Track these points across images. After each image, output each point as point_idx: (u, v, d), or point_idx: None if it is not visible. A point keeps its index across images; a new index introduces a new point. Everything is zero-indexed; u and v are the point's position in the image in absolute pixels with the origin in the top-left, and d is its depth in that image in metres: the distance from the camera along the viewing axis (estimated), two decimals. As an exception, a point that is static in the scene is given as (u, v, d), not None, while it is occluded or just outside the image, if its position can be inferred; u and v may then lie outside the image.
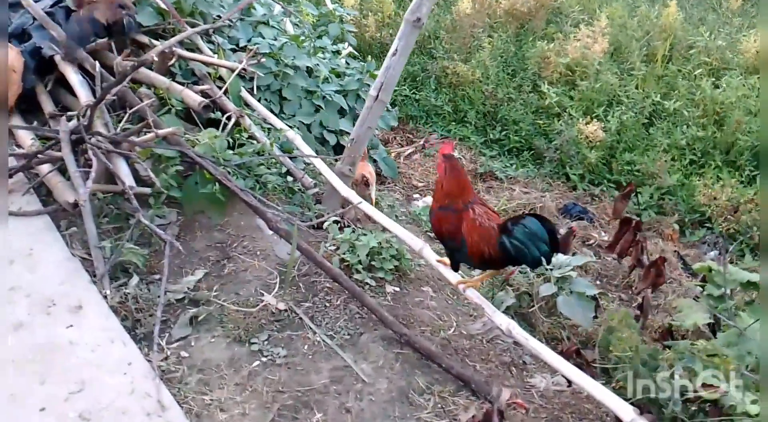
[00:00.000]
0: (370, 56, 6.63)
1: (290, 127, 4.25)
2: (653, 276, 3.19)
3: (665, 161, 5.70)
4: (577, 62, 6.59)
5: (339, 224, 3.79)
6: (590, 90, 6.36)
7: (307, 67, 4.87)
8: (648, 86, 6.47)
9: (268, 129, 4.32)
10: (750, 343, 3.09)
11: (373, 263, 3.35)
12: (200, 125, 3.98)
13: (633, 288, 4.74)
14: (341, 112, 5.27)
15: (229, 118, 3.90)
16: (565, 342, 3.64)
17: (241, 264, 3.31)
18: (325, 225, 3.54)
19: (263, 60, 4.21)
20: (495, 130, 6.43)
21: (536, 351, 2.71)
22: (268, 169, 3.72)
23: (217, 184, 3.34)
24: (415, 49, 7.22)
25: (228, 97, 4.04)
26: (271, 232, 3.36)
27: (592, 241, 5.13)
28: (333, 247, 3.43)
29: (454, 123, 6.63)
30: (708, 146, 5.95)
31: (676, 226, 5.32)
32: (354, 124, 5.34)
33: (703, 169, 5.86)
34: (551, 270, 3.78)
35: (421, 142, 6.47)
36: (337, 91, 5.14)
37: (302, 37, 5.10)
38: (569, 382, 3.10)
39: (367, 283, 3.29)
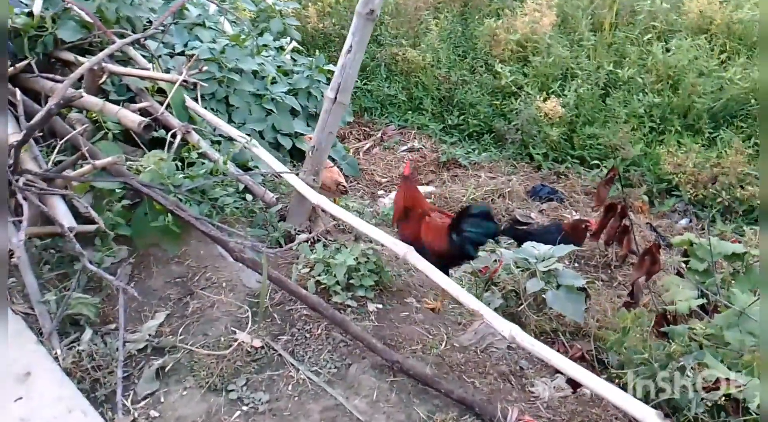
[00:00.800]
0: (316, 50, 6.24)
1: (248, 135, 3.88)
2: (648, 264, 2.98)
3: (627, 132, 5.53)
4: (527, 37, 6.36)
5: (308, 240, 3.46)
6: (544, 65, 6.14)
7: (253, 69, 4.47)
8: (599, 56, 6.29)
9: (218, 141, 3.94)
10: (750, 323, 2.93)
11: (351, 281, 3.04)
12: (143, 146, 3.56)
13: (611, 267, 4.59)
14: (293, 113, 4.90)
15: (174, 136, 3.50)
16: (558, 337, 3.43)
17: (206, 300, 2.95)
18: (295, 244, 3.20)
19: (205, 67, 3.80)
20: (453, 116, 6.16)
21: (545, 358, 2.47)
22: (225, 189, 3.34)
23: (169, 214, 2.96)
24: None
25: (171, 112, 3.63)
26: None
27: (566, 222, 4.92)
28: (306, 269, 3.10)
29: (410, 111, 6.33)
30: (666, 112, 5.82)
31: (645, 198, 5.18)
32: (308, 125, 5.04)
33: (664, 135, 5.74)
34: (536, 263, 3.56)
35: (379, 135, 6.16)
36: (286, 92, 4.76)
37: (243, 37, 4.68)
38: (573, 387, 2.90)
39: (348, 305, 2.98)
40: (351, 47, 3.31)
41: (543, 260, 3.59)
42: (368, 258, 3.13)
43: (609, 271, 4.51)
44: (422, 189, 5.36)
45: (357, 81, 6.23)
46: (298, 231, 3.44)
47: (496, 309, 3.38)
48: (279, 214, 3.59)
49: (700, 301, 3.19)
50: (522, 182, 5.39)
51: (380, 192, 5.37)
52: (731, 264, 3.66)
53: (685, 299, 3.20)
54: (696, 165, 5.05)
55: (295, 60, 5.53)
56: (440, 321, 3.21)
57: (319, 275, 3.02)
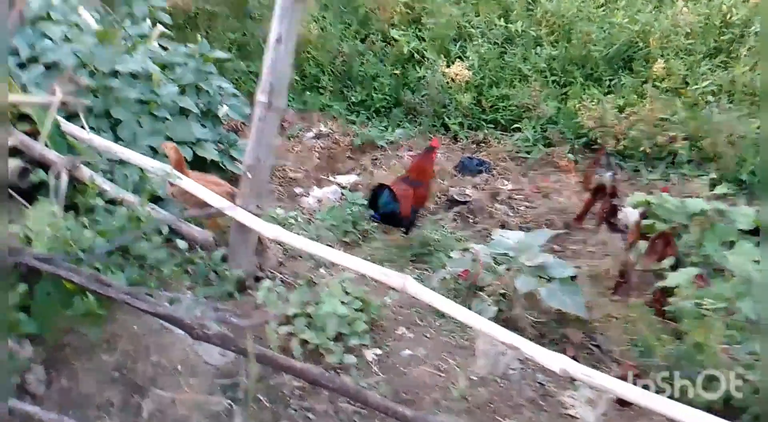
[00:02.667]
0: (197, 34, 5.20)
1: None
2: (661, 248, 2.65)
3: (536, 90, 5.24)
4: (415, -2, 5.80)
5: (256, 280, 2.75)
6: (438, 26, 5.64)
7: (132, 70, 3.49)
8: (486, 10, 5.88)
9: (108, 171, 3.02)
10: (762, 291, 2.72)
11: (341, 330, 2.41)
12: (18, 197, 2.59)
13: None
14: (182, 113, 3.99)
15: (58, 176, 2.56)
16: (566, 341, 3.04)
17: (163, 398, 2.17)
18: (260, 296, 2.47)
19: (85, 82, 2.83)
20: (355, 92, 5.50)
21: (606, 388, 2.05)
22: (149, 239, 2.48)
23: (87, 294, 2.11)
24: (230, 14, 5.92)
25: (46, 144, 2.66)
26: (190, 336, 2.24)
27: (502, 196, 4.57)
28: (284, 327, 2.40)
29: (307, 92, 5.58)
30: (565, 64, 5.60)
31: (571, 156, 4.95)
32: (204, 126, 4.16)
33: (567, 88, 5.53)
34: (518, 257, 3.14)
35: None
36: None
37: (111, 30, 3.66)
38: (622, 404, 2.53)
39: (346, 365, 2.35)
40: (280, 36, 2.57)
41: (524, 252, 3.17)
42: (348, 292, 2.50)
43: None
44: (344, 178, 4.74)
45: (241, 64, 5.37)
46: (254, 275, 2.70)
47: (495, 320, 2.95)
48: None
49: (696, 270, 2.95)
50: (446, 156, 4.94)
51: (298, 189, 4.64)
52: (697, 221, 3.49)
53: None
54: (615, 117, 4.87)
55: (165, 48, 4.54)
56: (442, 349, 2.69)
57: (302, 332, 2.35)
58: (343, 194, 4.49)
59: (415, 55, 5.53)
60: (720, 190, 3.86)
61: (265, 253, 2.86)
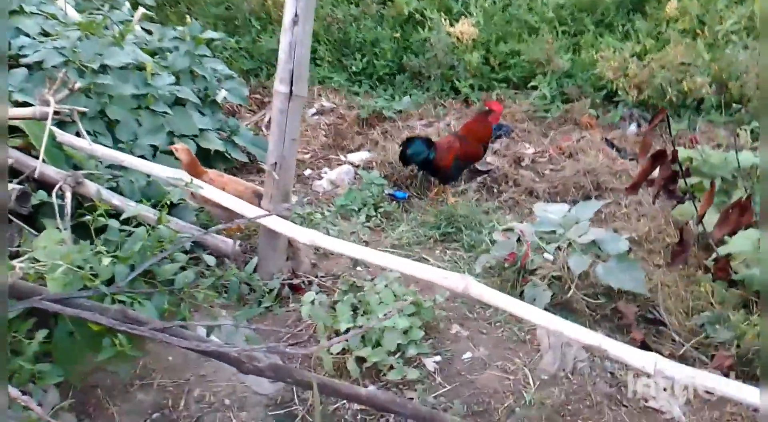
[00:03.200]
0: (179, 12, 4.81)
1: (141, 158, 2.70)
2: (736, 217, 2.40)
3: (547, 42, 4.90)
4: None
5: (291, 289, 2.49)
6: (436, -19, 5.25)
7: (124, 63, 3.14)
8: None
9: (111, 178, 2.72)
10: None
11: (399, 341, 2.17)
12: (20, 222, 2.29)
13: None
14: (178, 103, 3.65)
15: (61, 195, 2.27)
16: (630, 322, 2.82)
17: (216, 437, 1.95)
18: (304, 312, 2.21)
19: (78, 85, 2.48)
20: (355, 60, 5.14)
21: (714, 389, 1.82)
22: (170, 258, 2.20)
23: (115, 334, 1.85)
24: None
25: (44, 161, 2.34)
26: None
27: (525, 160, 4.30)
28: (337, 345, 2.15)
29: (305, 65, 5.19)
30: (574, 12, 5.26)
31: (593, 111, 4.67)
32: (203, 114, 3.83)
33: (578, 37, 5.20)
34: (566, 233, 2.90)
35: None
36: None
37: (97, 21, 3.28)
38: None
39: (411, 381, 2.12)
40: (297, 16, 2.24)
41: (571, 227, 2.93)
42: (398, 297, 2.25)
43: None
44: (356, 156, 4.44)
45: (231, 40, 4.99)
46: (289, 282, 2.44)
47: (547, 308, 2.72)
48: (243, 262, 2.54)
49: (757, 233, 2.72)
50: (461, 122, 4.62)
51: (307, 171, 4.34)
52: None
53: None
54: (636, 66, 4.57)
55: (148, 31, 4.16)
56: (501, 346, 2.47)
57: (358, 348, 2.11)
58: (357, 173, 4.22)
59: (416, 15, 5.14)
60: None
61: (297, 256, 2.60)
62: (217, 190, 2.44)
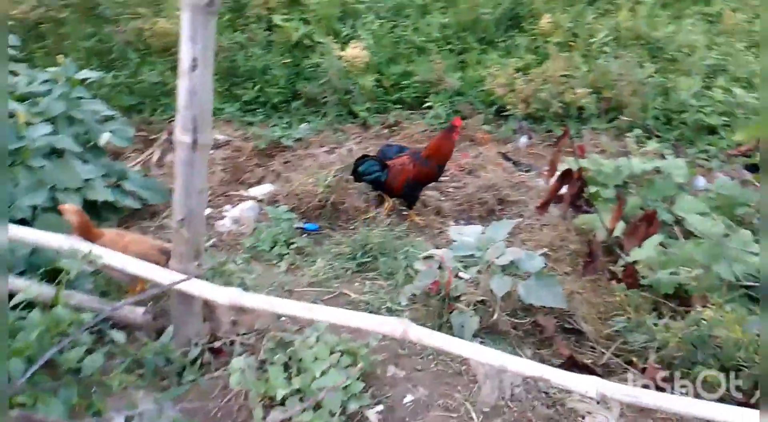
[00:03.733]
0: (46, 48, 4.37)
1: (21, 222, 2.39)
2: (644, 229, 2.53)
3: (437, 61, 5.00)
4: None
5: (213, 353, 2.30)
6: (321, 6, 5.19)
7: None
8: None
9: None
10: (730, 251, 2.72)
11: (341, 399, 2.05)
12: None
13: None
14: (54, 153, 3.30)
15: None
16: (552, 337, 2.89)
17: None
18: (233, 381, 2.03)
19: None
20: (246, 89, 4.94)
21: (655, 406, 1.88)
22: (73, 343, 1.93)
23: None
24: (79, 16, 5.06)
25: None
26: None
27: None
28: (275, 412, 2.00)
29: (191, 98, 4.92)
30: (458, 30, 5.41)
31: (486, 127, 4.80)
32: (86, 161, 3.50)
33: (463, 55, 5.35)
34: (484, 254, 2.92)
35: (163, 137, 4.71)
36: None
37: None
38: None
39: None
40: (195, 61, 2.07)
41: (488, 249, 2.96)
42: (341, 352, 2.14)
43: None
44: (258, 190, 4.26)
45: (108, 77, 4.64)
46: (210, 347, 2.24)
47: (476, 334, 2.73)
48: (155, 332, 2.31)
49: (659, 237, 2.90)
50: (364, 148, 4.59)
51: (207, 210, 4.10)
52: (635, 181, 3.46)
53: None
54: (522, 81, 4.76)
55: (15, 73, 3.74)
56: (439, 382, 2.43)
57: (299, 415, 1.96)
58: (262, 209, 4.04)
59: (305, 40, 5.05)
60: (651, 145, 3.87)
61: (214, 316, 2.40)
62: (119, 254, 2.20)
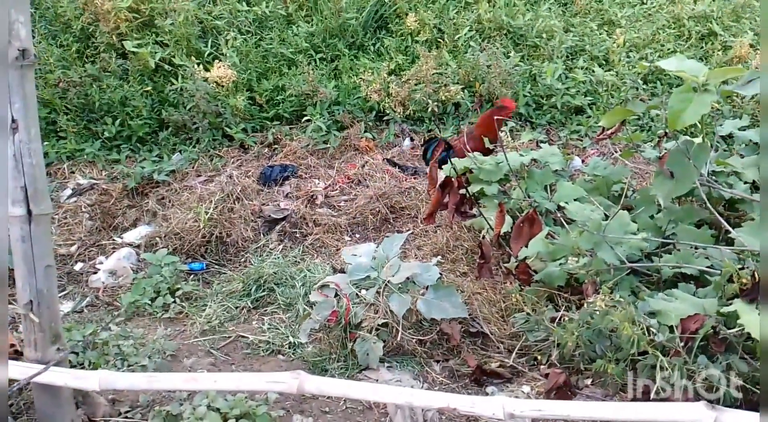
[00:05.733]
0: None
1: None
2: (527, 230, 2.52)
3: (309, 72, 4.84)
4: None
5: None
6: (176, 26, 4.86)
7: None
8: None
9: None
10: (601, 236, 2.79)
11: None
12: None
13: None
14: None
15: None
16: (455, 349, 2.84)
17: None
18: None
19: None
20: (106, 125, 4.53)
21: (560, 415, 1.85)
22: None
23: None
24: None
25: None
26: None
27: (319, 198, 4.19)
28: None
29: (44, 140, 4.46)
30: (326, 37, 5.27)
31: (368, 135, 4.72)
32: None
33: (335, 62, 5.24)
34: (379, 275, 2.83)
35: None
36: None
37: None
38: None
39: None
40: (15, 122, 1.79)
41: (383, 267, 2.88)
42: (237, 418, 1.96)
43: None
44: (133, 234, 3.92)
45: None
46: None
47: (382, 359, 2.64)
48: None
49: (545, 231, 2.94)
50: (245, 172, 4.36)
51: (78, 265, 3.72)
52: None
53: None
54: (396, 84, 4.72)
55: None
56: (357, 417, 2.31)
57: None
58: (139, 255, 3.72)
59: (164, 65, 4.72)
60: (525, 137, 3.94)
61: (89, 400, 2.13)
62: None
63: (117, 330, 2.60)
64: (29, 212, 1.86)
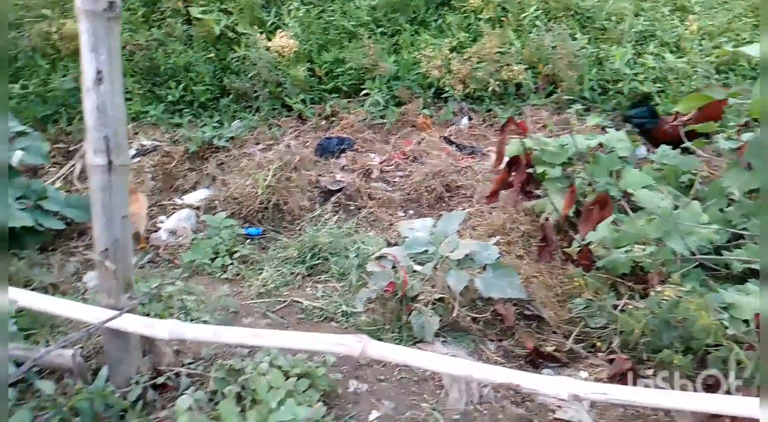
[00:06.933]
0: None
1: None
2: (598, 213, 2.45)
3: (371, 46, 4.79)
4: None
5: (157, 389, 2.10)
6: (242, -7, 4.88)
7: None
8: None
9: None
10: (680, 225, 2.69)
11: (300, 428, 1.89)
12: None
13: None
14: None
15: None
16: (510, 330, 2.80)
17: None
18: (182, 423, 1.84)
19: None
20: (170, 89, 4.62)
21: (625, 401, 1.82)
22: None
23: None
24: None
25: None
26: None
27: (374, 172, 4.17)
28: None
29: (111, 102, 4.56)
30: (388, 11, 5.21)
31: (426, 111, 4.66)
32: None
33: (395, 37, 5.17)
34: (438, 250, 2.81)
35: (82, 148, 4.35)
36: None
37: None
38: None
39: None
40: (100, 72, 1.83)
41: (441, 243, 2.85)
42: (298, 376, 1.98)
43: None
44: (193, 196, 4.00)
45: (13, 85, 4.23)
46: (152, 383, 2.04)
47: (438, 333, 2.62)
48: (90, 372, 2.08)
49: (611, 217, 2.85)
50: (303, 143, 4.38)
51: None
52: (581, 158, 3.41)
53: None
54: (458, 61, 4.63)
55: None
56: (404, 391, 2.31)
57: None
58: (198, 217, 3.79)
59: (228, 32, 4.76)
60: (593, 120, 3.82)
61: (155, 349, 2.18)
62: (39, 296, 1.95)
63: (180, 285, 2.66)
64: (110, 162, 1.90)
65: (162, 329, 1.89)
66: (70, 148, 4.38)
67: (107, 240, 1.96)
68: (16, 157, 3.30)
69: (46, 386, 1.79)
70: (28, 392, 1.91)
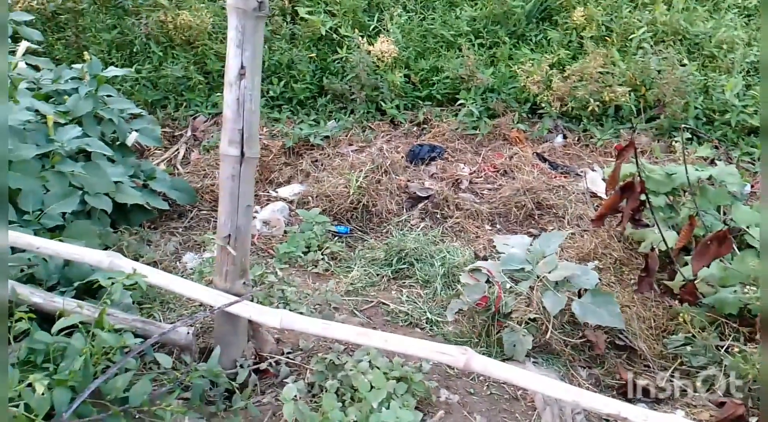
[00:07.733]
0: (64, 40, 4.21)
1: (53, 229, 2.25)
2: (715, 249, 2.36)
3: (469, 57, 4.79)
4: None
5: (258, 374, 2.17)
6: (347, -2, 4.99)
7: (22, 120, 2.63)
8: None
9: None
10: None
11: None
12: None
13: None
14: (81, 153, 3.16)
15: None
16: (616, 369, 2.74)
17: None
18: (287, 413, 1.90)
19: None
20: (272, 85, 4.78)
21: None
22: (119, 370, 1.80)
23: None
24: (100, 9, 4.90)
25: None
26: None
27: (463, 182, 4.17)
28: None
29: (216, 92, 4.77)
30: (488, 24, 5.20)
31: (521, 126, 4.62)
32: (112, 161, 3.36)
33: (493, 49, 5.16)
34: (534, 269, 2.77)
35: (189, 133, 4.58)
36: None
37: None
38: None
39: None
40: (243, 68, 1.92)
41: (539, 262, 2.81)
42: (396, 379, 2.01)
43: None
44: (287, 190, 4.12)
45: (132, 72, 4.47)
46: (255, 367, 2.12)
47: (529, 354, 2.59)
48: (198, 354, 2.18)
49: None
50: (394, 147, 4.43)
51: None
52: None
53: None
54: (558, 78, 4.57)
55: (36, 68, 3.60)
56: (496, 408, 2.30)
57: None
58: (292, 210, 3.90)
59: (333, 34, 4.87)
60: (702, 151, 3.69)
61: (259, 335, 2.27)
62: (164, 274, 2.06)
63: (281, 275, 2.75)
64: (242, 153, 1.98)
65: (274, 317, 1.96)
66: (176, 133, 4.59)
67: (231, 227, 2.05)
68: (132, 137, 3.49)
69: (165, 360, 1.89)
70: (145, 363, 2.02)
